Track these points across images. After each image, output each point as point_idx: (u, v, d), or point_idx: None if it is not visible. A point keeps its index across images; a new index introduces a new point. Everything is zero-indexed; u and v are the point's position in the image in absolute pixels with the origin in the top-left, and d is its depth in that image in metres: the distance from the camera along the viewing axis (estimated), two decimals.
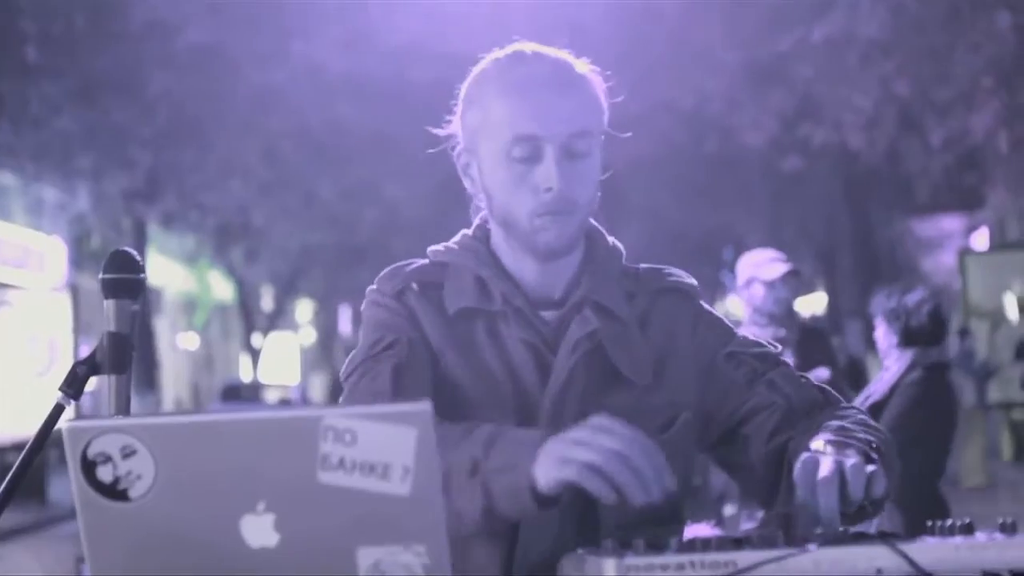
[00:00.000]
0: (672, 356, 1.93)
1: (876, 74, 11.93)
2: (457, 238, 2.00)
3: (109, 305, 2.38)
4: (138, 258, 2.45)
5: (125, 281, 2.38)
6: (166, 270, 26.18)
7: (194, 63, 13.71)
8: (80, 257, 21.85)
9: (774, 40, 11.79)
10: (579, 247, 1.94)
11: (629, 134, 2.03)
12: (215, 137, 15.99)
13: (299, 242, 23.38)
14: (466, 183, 1.96)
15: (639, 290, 1.96)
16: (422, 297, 1.92)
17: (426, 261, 1.98)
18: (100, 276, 2.45)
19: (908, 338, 4.87)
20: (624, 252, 2.00)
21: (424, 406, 1.28)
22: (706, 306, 2.00)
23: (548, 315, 1.91)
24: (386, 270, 1.97)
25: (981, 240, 18.89)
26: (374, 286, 1.96)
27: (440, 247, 1.99)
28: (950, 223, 20.99)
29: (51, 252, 20.27)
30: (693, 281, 2.00)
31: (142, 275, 2.44)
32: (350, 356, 1.90)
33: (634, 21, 13.09)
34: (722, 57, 12.98)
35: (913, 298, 4.91)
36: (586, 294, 1.91)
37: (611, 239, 2.00)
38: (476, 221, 2.00)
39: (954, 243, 20.24)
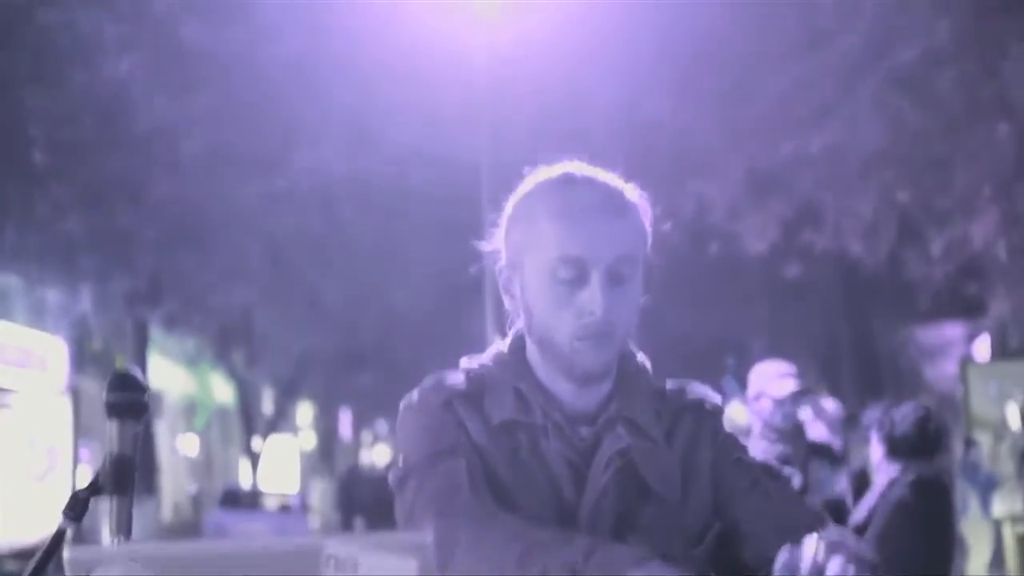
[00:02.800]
0: (694, 471, 1.96)
1: (876, 183, 12.00)
2: (492, 351, 2.01)
3: (112, 426, 2.38)
4: (141, 378, 2.44)
5: (128, 402, 2.38)
6: (167, 372, 26.12)
7: (199, 168, 13.82)
8: (82, 359, 21.82)
9: (774, 149, 11.88)
10: (613, 368, 1.95)
11: (661, 264, 2.05)
12: (219, 240, 16.06)
13: (301, 345, 23.38)
14: (506, 299, 1.97)
15: (665, 408, 1.98)
16: (468, 407, 1.94)
17: (460, 373, 1.98)
18: (104, 397, 2.45)
19: (894, 450, 4.82)
20: (650, 371, 2.02)
21: (426, 537, 1.28)
22: (724, 426, 2.02)
23: (583, 430, 1.93)
24: (428, 381, 1.98)
25: (983, 348, 18.84)
26: (415, 396, 1.97)
27: (474, 361, 2.00)
28: (952, 331, 20.96)
29: (53, 354, 20.21)
30: (716, 399, 2.01)
31: (145, 396, 2.44)
32: (398, 466, 1.91)
33: (635, 130, 13.20)
34: (723, 165, 13.07)
35: (902, 409, 4.89)
36: (618, 412, 1.93)
37: (640, 356, 2.02)
38: (511, 335, 2.00)
39: (956, 351, 20.18)
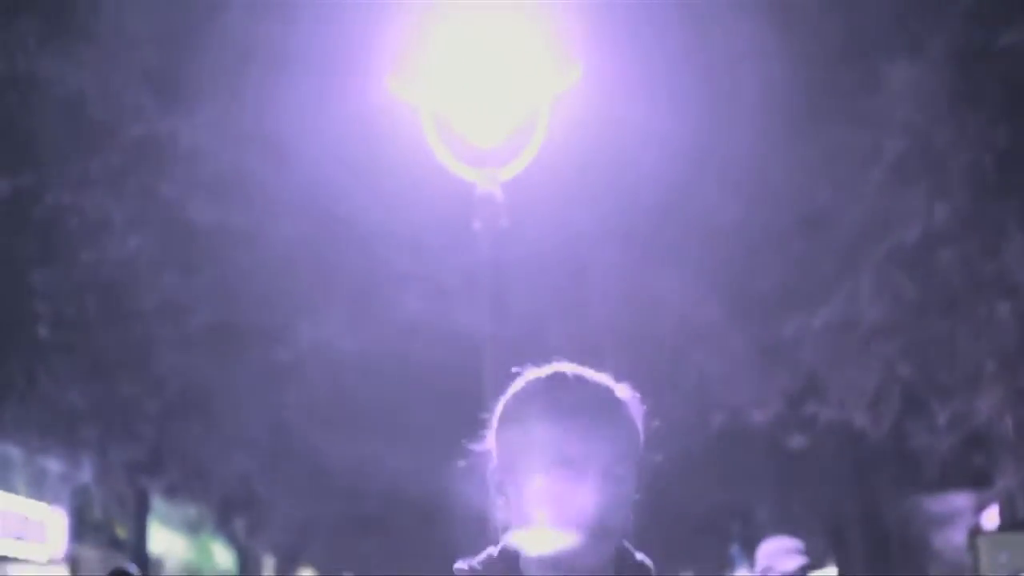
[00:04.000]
0: None
1: (879, 357, 12.02)
2: (482, 557, 1.99)
3: None
4: (138, 574, 2.44)
5: None
6: (167, 541, 25.87)
7: (203, 341, 13.86)
8: (81, 528, 21.65)
9: (777, 323, 11.93)
10: (609, 570, 1.93)
11: (661, 458, 2.05)
12: (221, 411, 16.04)
13: (303, 512, 23.20)
14: (498, 501, 1.96)
15: None
16: None
17: None
18: None
19: None
20: (653, 569, 1.99)
21: None
22: None
23: None
24: None
25: (991, 518, 18.68)
26: None
27: (465, 566, 1.97)
28: (959, 501, 20.80)
29: (52, 523, 20.06)
30: None
31: None
32: None
33: (638, 303, 13.27)
34: (725, 339, 13.11)
35: None
36: None
37: (639, 556, 2.00)
38: (503, 541, 1.99)
39: (964, 520, 20.01)
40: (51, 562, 19.61)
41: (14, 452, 18.24)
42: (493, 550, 1.99)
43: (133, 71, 11.20)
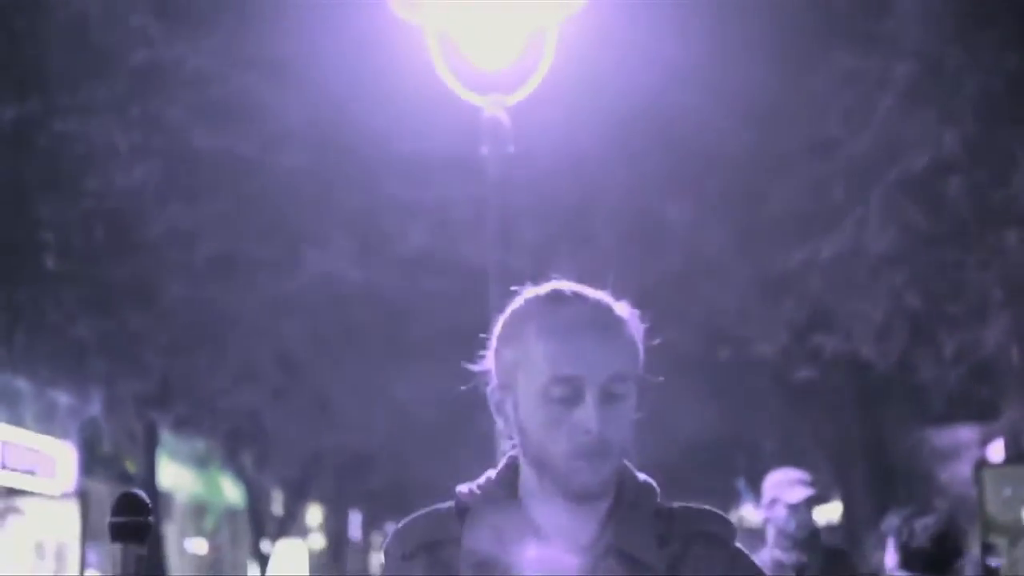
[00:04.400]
0: None
1: (886, 287, 11.99)
2: (481, 480, 1.98)
3: (116, 550, 2.35)
4: (147, 500, 2.42)
5: (133, 525, 2.36)
6: (176, 474, 26.01)
7: (209, 272, 13.86)
8: (91, 462, 21.76)
9: (784, 253, 11.89)
10: (610, 489, 1.91)
11: (662, 379, 2.03)
12: (228, 343, 16.07)
13: (310, 447, 23.28)
14: (498, 420, 1.95)
15: (672, 533, 1.92)
16: (432, 561, 1.90)
17: (446, 508, 1.95)
18: (108, 519, 2.42)
19: (908, 561, 4.76)
20: (658, 489, 1.97)
21: None
22: (741, 548, 1.96)
23: (574, 563, 1.87)
24: (400, 526, 1.95)
25: (997, 452, 18.72)
26: (387, 541, 1.95)
27: (466, 488, 1.96)
28: (965, 434, 20.84)
29: (62, 458, 20.17)
30: (729, 524, 1.97)
31: (150, 518, 2.41)
32: None
33: (643, 234, 13.24)
34: (732, 270, 13.09)
35: (923, 520, 4.82)
36: (611, 541, 1.87)
37: (642, 477, 1.98)
38: (503, 461, 1.98)
39: (970, 454, 20.04)
40: (61, 496, 19.72)
41: (23, 385, 18.30)
42: (492, 472, 1.98)
43: None
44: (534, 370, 1.87)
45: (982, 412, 18.08)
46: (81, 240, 13.17)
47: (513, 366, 1.91)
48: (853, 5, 10.45)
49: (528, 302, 1.94)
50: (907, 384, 15.98)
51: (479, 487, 1.96)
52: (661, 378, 2.02)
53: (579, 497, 1.87)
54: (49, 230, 12.94)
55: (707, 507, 1.99)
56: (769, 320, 13.54)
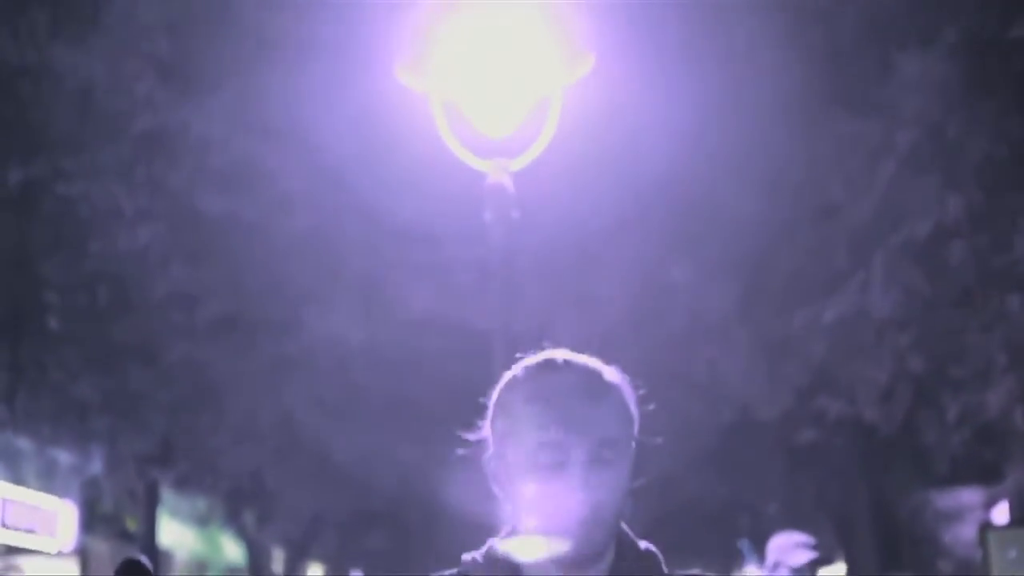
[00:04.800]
0: None
1: (890, 350, 11.98)
2: (484, 548, 1.98)
3: None
4: (149, 566, 2.42)
5: None
6: (177, 533, 25.92)
7: (211, 333, 13.88)
8: (92, 520, 21.70)
9: (787, 317, 11.90)
10: (607, 557, 1.92)
11: (660, 440, 2.04)
12: (231, 403, 16.05)
13: (312, 506, 23.20)
14: (495, 489, 1.96)
15: None
16: None
17: (449, 574, 1.98)
18: None
19: None
20: (660, 556, 1.97)
21: None
22: None
23: None
24: None
25: (1001, 514, 18.66)
26: None
27: (469, 556, 1.97)
28: (970, 496, 20.78)
29: (62, 516, 20.13)
30: None
31: None
32: None
33: (646, 296, 13.25)
34: (735, 333, 13.08)
35: None
36: None
37: (644, 544, 1.98)
38: (505, 529, 1.99)
39: (974, 516, 19.99)
40: (61, 554, 19.66)
41: (24, 443, 18.28)
42: (494, 540, 1.98)
43: (143, 61, 11.21)
44: (522, 437, 1.89)
45: (986, 475, 18.03)
46: (84, 301, 13.20)
47: (504, 435, 1.93)
48: (856, 72, 10.51)
49: (520, 370, 1.97)
50: (911, 447, 15.93)
51: (481, 555, 1.95)
52: (660, 439, 2.03)
53: (571, 564, 1.87)
54: (53, 291, 12.97)
55: (706, 574, 1.98)
56: (772, 383, 13.52)
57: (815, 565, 5.84)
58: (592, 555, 1.87)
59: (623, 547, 1.95)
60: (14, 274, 12.82)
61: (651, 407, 2.00)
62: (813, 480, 19.35)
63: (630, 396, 1.96)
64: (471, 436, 2.02)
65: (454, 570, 1.98)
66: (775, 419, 14.54)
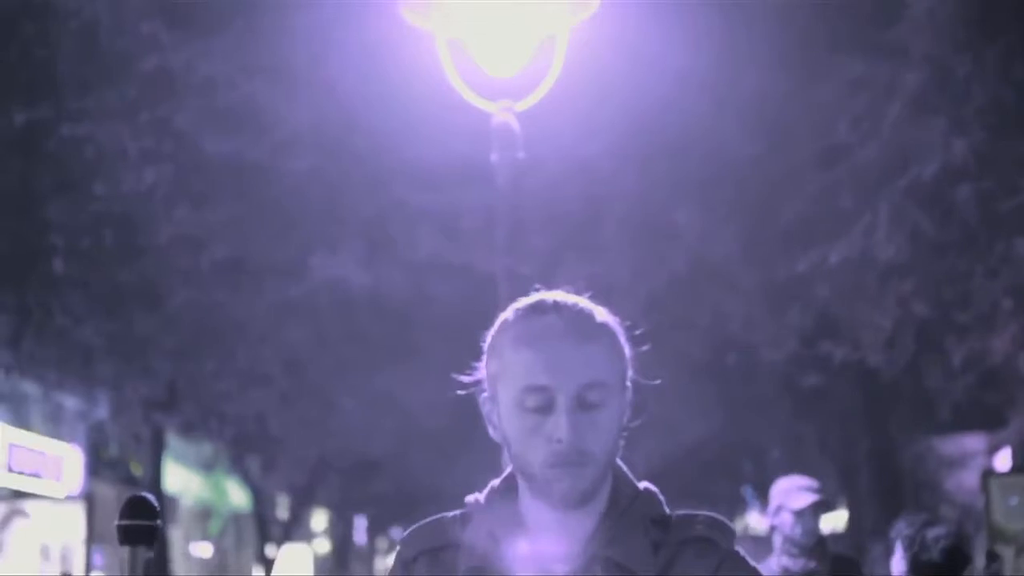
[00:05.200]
0: None
1: (895, 295, 11.98)
2: (488, 488, 2.02)
3: (124, 552, 2.36)
4: (155, 503, 2.43)
5: (142, 528, 2.37)
6: (182, 478, 26.05)
7: (217, 277, 13.89)
8: (97, 465, 21.80)
9: (791, 261, 11.89)
10: (601, 497, 1.93)
11: (659, 381, 2.05)
12: (235, 348, 16.08)
13: (316, 452, 23.30)
14: (490, 430, 1.98)
15: (666, 540, 1.93)
16: (434, 563, 1.95)
17: (452, 515, 2.01)
18: (116, 522, 2.43)
19: (916, 572, 4.77)
20: (660, 498, 1.99)
21: None
22: (736, 551, 1.97)
23: (563, 563, 1.89)
24: (407, 532, 2.00)
25: (1004, 460, 18.72)
26: (398, 548, 2.01)
27: (471, 497, 2.01)
28: (972, 442, 20.85)
29: (68, 460, 20.22)
30: (726, 527, 1.97)
31: (158, 521, 2.42)
32: None
33: (651, 239, 13.24)
34: (740, 276, 13.08)
35: (932, 532, 4.82)
36: (598, 550, 1.89)
37: (642, 485, 1.99)
38: (507, 470, 2.01)
39: (977, 462, 20.06)
40: (68, 498, 19.76)
41: (30, 388, 18.34)
42: (496, 481, 2.01)
43: (148, 1, 11.16)
44: (510, 380, 1.91)
45: (989, 421, 18.08)
46: (89, 244, 13.20)
47: (495, 377, 1.95)
48: (862, 13, 10.45)
49: (512, 313, 1.98)
50: (914, 392, 15.97)
51: (483, 496, 1.99)
52: (658, 380, 2.04)
53: (561, 504, 1.89)
54: (58, 234, 12.97)
55: (707, 513, 1.99)
56: (776, 327, 13.53)
57: (817, 509, 5.82)
58: (580, 497, 1.89)
59: (619, 486, 1.96)
60: (19, 217, 12.82)
61: (645, 348, 2.01)
62: (816, 426, 19.42)
63: (622, 337, 1.97)
64: (467, 378, 2.02)
65: (458, 512, 2.01)
66: (779, 363, 14.57)
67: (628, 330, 2.00)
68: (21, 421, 18.62)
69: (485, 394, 1.98)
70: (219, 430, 20.49)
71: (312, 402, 19.06)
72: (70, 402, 19.64)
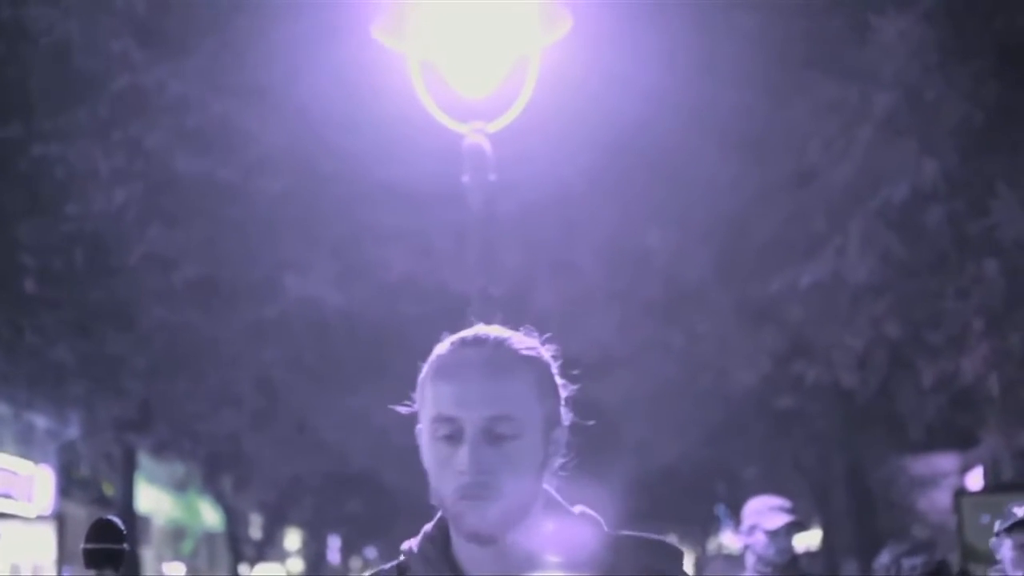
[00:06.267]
0: None
1: (867, 316, 12.02)
2: (419, 535, 2.01)
3: None
4: (121, 527, 2.42)
5: (107, 552, 2.37)
6: (155, 498, 25.93)
7: (189, 296, 13.85)
8: (69, 485, 21.70)
9: (764, 282, 11.93)
10: (530, 526, 1.91)
11: (592, 423, 2.04)
12: (208, 368, 16.03)
13: (289, 471, 23.24)
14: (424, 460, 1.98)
15: (616, 569, 1.90)
16: None
17: (388, 567, 2.01)
18: (83, 546, 2.42)
19: None
20: (599, 519, 1.97)
21: None
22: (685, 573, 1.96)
23: None
24: None
25: (976, 480, 18.78)
26: None
27: (407, 545, 2.00)
28: (944, 462, 20.93)
29: (39, 480, 20.13)
30: (674, 551, 1.95)
31: (125, 545, 2.41)
32: None
33: (625, 261, 13.27)
34: (713, 298, 13.11)
35: (909, 562, 4.84)
36: None
37: (578, 510, 1.97)
38: (435, 518, 2.02)
39: (949, 482, 20.14)
40: (38, 518, 19.65)
41: (2, 408, 18.26)
42: (428, 526, 2.00)
43: (119, 20, 11.12)
44: (426, 411, 1.92)
45: (961, 441, 18.13)
46: (61, 263, 13.15)
47: (420, 408, 1.96)
48: (835, 35, 10.49)
49: (438, 347, 1.96)
50: (887, 412, 16.00)
51: (416, 543, 1.99)
52: (592, 422, 2.04)
53: (472, 540, 1.88)
54: (29, 253, 12.92)
55: (652, 537, 1.97)
56: (750, 348, 13.56)
57: (791, 529, 5.83)
58: (490, 532, 1.86)
59: (552, 515, 1.94)
60: None
61: (575, 387, 2.00)
62: (790, 446, 19.45)
63: (552, 373, 1.96)
64: (405, 410, 2.03)
65: (394, 563, 2.00)
66: (752, 385, 14.59)
67: (567, 369, 2.00)
68: None
69: (419, 425, 1.98)
70: (192, 450, 20.44)
71: (285, 421, 19.02)
72: (41, 422, 19.55)
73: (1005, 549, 4.51)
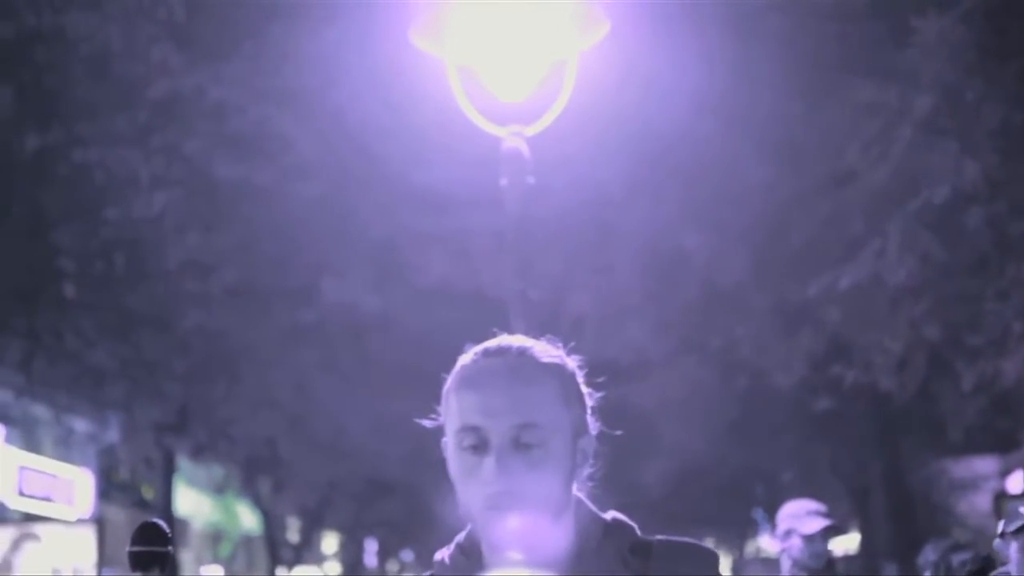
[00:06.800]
0: None
1: (906, 318, 11.95)
2: (453, 544, 2.01)
3: None
4: (166, 529, 2.43)
5: (153, 554, 2.38)
6: (193, 501, 26.03)
7: (227, 301, 13.91)
8: (108, 489, 21.81)
9: (802, 285, 11.87)
10: (558, 540, 1.90)
11: (619, 432, 2.03)
12: (246, 372, 16.08)
13: (326, 475, 23.28)
14: (450, 472, 1.95)
15: (649, 572, 1.89)
16: None
17: (429, 572, 2.00)
18: (128, 548, 2.43)
19: None
20: (632, 525, 1.96)
21: None
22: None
23: None
24: None
25: (1016, 483, 18.67)
26: None
27: (439, 555, 2.01)
28: (984, 465, 20.80)
29: (79, 484, 20.23)
30: (711, 555, 1.94)
31: (170, 547, 2.42)
32: None
33: (663, 264, 13.24)
34: (750, 300, 13.06)
35: (958, 557, 4.83)
36: None
37: (609, 516, 1.96)
38: (465, 530, 2.00)
39: (989, 485, 20.02)
40: (78, 522, 19.75)
41: (41, 412, 18.35)
42: (460, 536, 2.00)
43: (159, 26, 11.18)
44: (451, 422, 1.93)
45: (1001, 444, 18.02)
46: (100, 268, 13.22)
47: (445, 420, 1.97)
48: (873, 37, 10.44)
49: (465, 357, 1.97)
50: (926, 415, 15.91)
51: (448, 554, 1.99)
52: (619, 432, 2.03)
53: (502, 548, 1.86)
54: (69, 258, 12.99)
55: (689, 541, 1.96)
56: (787, 351, 13.50)
57: (827, 533, 5.80)
58: (517, 540, 1.84)
59: (585, 526, 1.93)
60: (30, 242, 12.84)
61: (600, 394, 2.00)
62: (828, 449, 19.35)
63: (577, 381, 1.95)
64: (430, 423, 2.03)
65: (428, 574, 2.00)
66: (790, 387, 14.53)
67: (604, 371, 1.99)
68: (32, 445, 18.63)
69: (445, 438, 1.97)
70: (230, 453, 20.49)
71: (322, 425, 19.05)
72: (81, 425, 19.65)
73: (1012, 551, 4.48)
